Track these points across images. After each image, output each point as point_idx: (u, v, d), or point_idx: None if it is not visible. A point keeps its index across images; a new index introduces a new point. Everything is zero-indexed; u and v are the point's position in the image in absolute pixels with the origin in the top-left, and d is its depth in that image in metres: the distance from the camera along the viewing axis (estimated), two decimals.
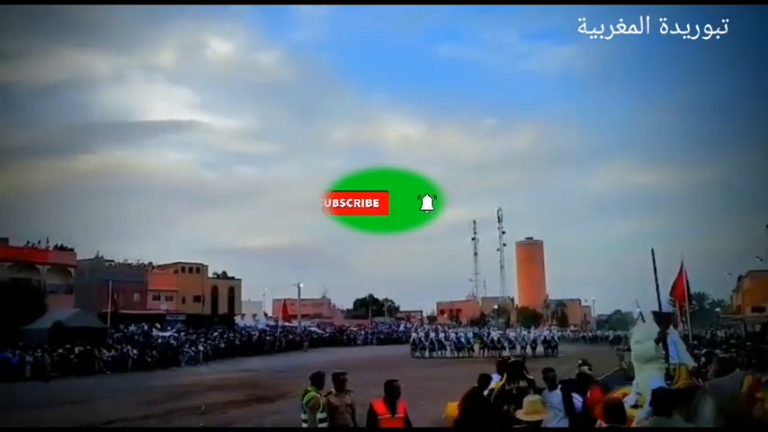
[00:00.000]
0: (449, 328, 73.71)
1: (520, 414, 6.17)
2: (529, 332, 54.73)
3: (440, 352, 46.99)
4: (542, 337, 48.50)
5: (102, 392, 26.35)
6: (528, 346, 46.40)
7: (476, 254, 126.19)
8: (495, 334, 51.62)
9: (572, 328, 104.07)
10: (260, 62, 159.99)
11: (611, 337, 71.75)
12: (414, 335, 52.91)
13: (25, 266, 51.00)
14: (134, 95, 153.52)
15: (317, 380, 8.64)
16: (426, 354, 46.34)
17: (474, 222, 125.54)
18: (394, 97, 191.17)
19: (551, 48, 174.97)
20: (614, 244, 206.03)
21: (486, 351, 46.11)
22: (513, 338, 48.99)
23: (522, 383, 8.07)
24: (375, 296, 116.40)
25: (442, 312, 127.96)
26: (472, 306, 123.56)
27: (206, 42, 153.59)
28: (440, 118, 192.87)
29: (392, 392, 7.76)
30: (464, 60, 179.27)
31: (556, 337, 49.07)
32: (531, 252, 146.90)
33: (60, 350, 37.37)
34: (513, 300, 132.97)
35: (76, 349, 38.13)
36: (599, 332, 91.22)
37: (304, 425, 8.47)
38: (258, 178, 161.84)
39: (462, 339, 49.00)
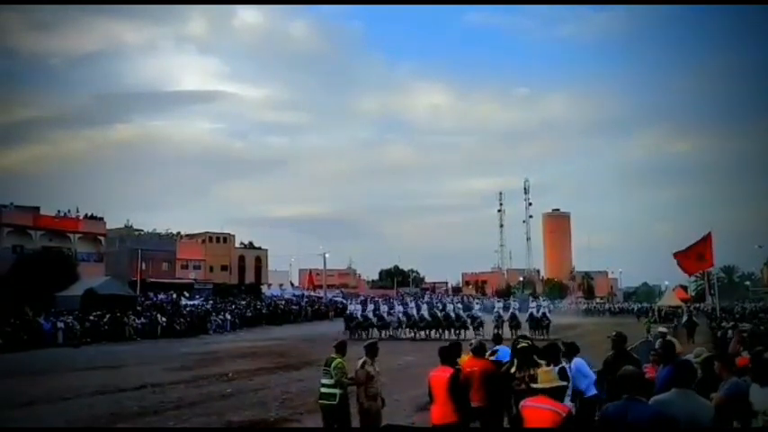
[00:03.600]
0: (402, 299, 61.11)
1: (535, 386, 6.06)
2: (507, 305, 40.58)
3: (372, 331, 36.11)
4: (529, 314, 37.31)
5: (132, 358, 26.90)
6: (503, 324, 34.66)
7: (502, 225, 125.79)
8: (450, 307, 39.13)
9: (598, 299, 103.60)
10: (289, 32, 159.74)
11: (636, 309, 71.39)
12: (351, 307, 42.62)
13: (57, 235, 51.92)
14: (165, 66, 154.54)
15: (342, 348, 8.90)
16: (361, 333, 35.73)
17: (500, 194, 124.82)
18: (423, 66, 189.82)
19: (586, 13, 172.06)
20: (643, 215, 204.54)
21: (436, 330, 36.29)
22: (476, 315, 36.74)
23: (534, 371, 7.20)
24: (400, 267, 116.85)
25: (467, 283, 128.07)
26: (498, 277, 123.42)
27: (236, 12, 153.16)
28: (470, 87, 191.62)
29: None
30: (495, 28, 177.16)
31: (547, 314, 37.46)
32: (558, 223, 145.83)
33: (91, 317, 38.19)
34: (539, 271, 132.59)
35: (107, 316, 38.95)
36: (625, 304, 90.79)
37: (323, 389, 8.75)
38: (286, 148, 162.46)
39: (406, 315, 38.33)
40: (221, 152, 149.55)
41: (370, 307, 40.41)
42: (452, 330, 35.72)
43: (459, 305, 42.27)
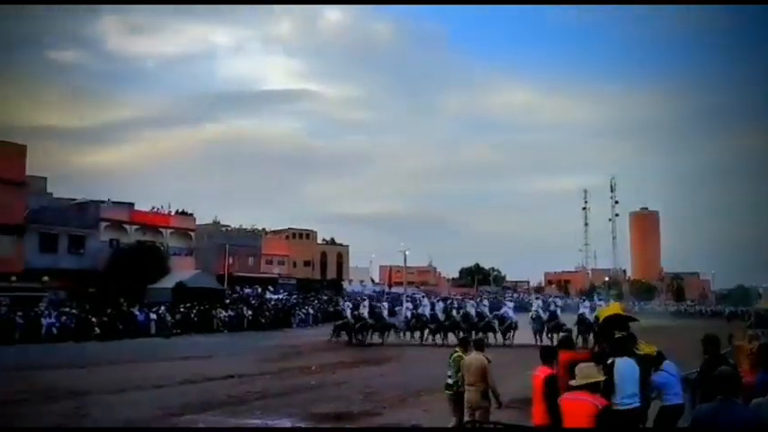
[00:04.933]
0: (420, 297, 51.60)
1: (572, 383, 6.02)
2: (547, 303, 34.77)
3: (370, 335, 32.13)
4: (579, 316, 30.03)
5: (220, 350, 27.82)
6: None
7: (586, 224, 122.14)
8: (471, 306, 34.09)
9: (689, 302, 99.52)
10: (372, 31, 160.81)
11: (727, 313, 68.11)
12: (342, 305, 38.19)
13: (150, 230, 54.12)
14: (253, 66, 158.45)
15: (464, 343, 9.58)
16: (353, 336, 32.05)
17: (585, 191, 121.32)
18: (506, 63, 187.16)
19: (678, 9, 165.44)
20: (738, 214, 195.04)
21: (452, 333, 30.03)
22: (506, 316, 31.47)
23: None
24: (481, 265, 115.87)
25: (550, 283, 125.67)
26: (582, 277, 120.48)
27: (321, 13, 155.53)
28: (553, 84, 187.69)
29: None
30: (583, 23, 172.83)
31: (511, 316, 31.25)
32: (646, 222, 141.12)
33: (182, 309, 39.73)
34: (625, 272, 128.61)
35: (196, 308, 40.41)
36: (718, 307, 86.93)
37: (449, 380, 9.17)
38: (367, 146, 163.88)
39: (415, 315, 32.99)
40: (304, 150, 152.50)
41: (365, 305, 34.21)
42: (474, 334, 30.34)
43: (486, 303, 34.65)
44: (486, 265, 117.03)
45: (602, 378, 6.14)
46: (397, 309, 35.48)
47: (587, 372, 5.97)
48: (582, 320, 29.13)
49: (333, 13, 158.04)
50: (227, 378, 18.08)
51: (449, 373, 9.19)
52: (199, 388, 16.41)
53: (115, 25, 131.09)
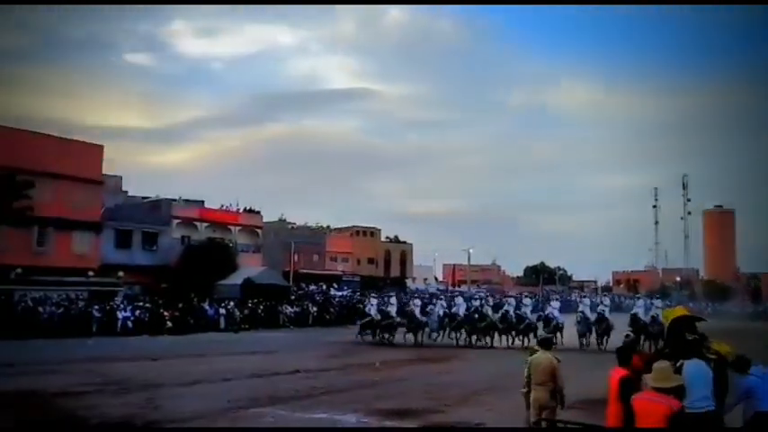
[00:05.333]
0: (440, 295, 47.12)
1: (648, 378, 5.91)
2: (594, 304, 31.04)
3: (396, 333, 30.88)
4: (632, 316, 27.82)
5: (286, 345, 28.36)
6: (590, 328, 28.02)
7: (657, 222, 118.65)
8: (510, 306, 30.86)
9: None
10: (434, 29, 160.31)
11: None
12: (367, 304, 34.34)
13: (220, 227, 55.49)
14: (315, 65, 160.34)
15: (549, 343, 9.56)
16: (381, 335, 30.96)
17: (655, 189, 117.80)
18: (570, 60, 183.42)
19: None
20: None
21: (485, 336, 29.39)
22: (551, 316, 29.37)
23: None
24: (547, 264, 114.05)
25: (618, 282, 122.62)
26: (652, 276, 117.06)
27: (384, 12, 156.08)
28: (621, 80, 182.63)
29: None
30: (644, 17, 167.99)
31: (556, 316, 29.07)
32: (721, 221, 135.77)
33: (249, 304, 40.66)
34: (697, 272, 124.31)
35: (263, 304, 41.28)
36: None
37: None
38: (430, 144, 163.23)
39: (449, 315, 30.86)
40: (367, 148, 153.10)
41: (392, 303, 32.82)
42: (513, 335, 29.12)
43: (528, 303, 31.48)
44: (551, 263, 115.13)
45: (681, 383, 6.03)
46: (429, 308, 32.64)
47: (666, 374, 5.87)
48: (635, 321, 26.86)
49: (393, 11, 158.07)
50: (294, 373, 18.42)
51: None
52: (266, 382, 16.78)
53: (184, 28, 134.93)
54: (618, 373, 7.12)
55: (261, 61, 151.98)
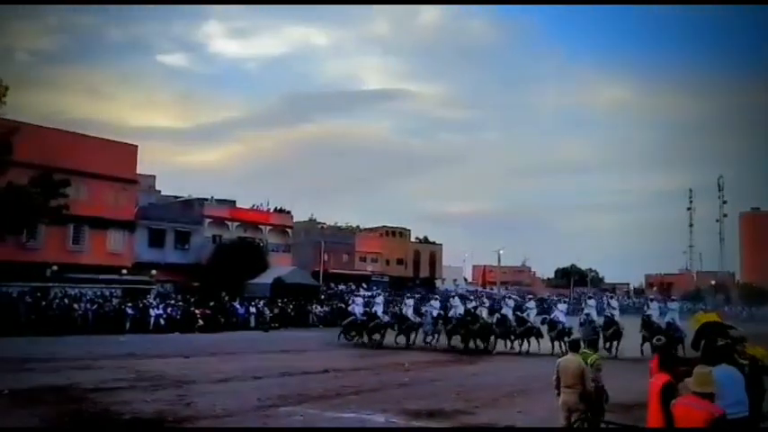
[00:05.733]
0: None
1: (688, 382, 5.78)
2: (600, 306, 28.31)
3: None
4: (643, 319, 25.41)
5: (315, 344, 28.43)
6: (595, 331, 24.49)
7: (691, 225, 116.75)
8: (508, 307, 28.40)
9: None
10: (467, 29, 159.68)
11: None
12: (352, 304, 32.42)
13: (251, 226, 55.94)
14: (349, 66, 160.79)
15: (594, 345, 9.28)
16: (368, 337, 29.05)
17: (690, 191, 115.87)
18: (604, 59, 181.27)
19: None
20: None
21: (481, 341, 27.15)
22: (557, 320, 26.61)
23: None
24: (578, 266, 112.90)
25: (650, 285, 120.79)
26: (686, 280, 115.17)
27: (416, 12, 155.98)
28: (655, 79, 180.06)
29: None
30: (680, 16, 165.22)
31: (676, 321, 24.71)
32: (759, 223, 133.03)
33: (279, 303, 40.93)
34: (733, 275, 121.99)
35: (293, 303, 41.53)
36: None
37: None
38: (462, 145, 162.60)
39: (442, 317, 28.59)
40: (399, 149, 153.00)
41: (379, 302, 31.09)
42: (511, 339, 27.04)
43: (532, 306, 28.92)
44: (583, 265, 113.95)
45: (713, 389, 5.92)
46: (423, 309, 30.71)
47: (707, 378, 5.78)
48: (647, 325, 24.31)
49: (428, 12, 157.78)
50: (323, 372, 18.48)
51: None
52: (296, 381, 16.84)
53: (219, 29, 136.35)
54: (660, 378, 6.90)
55: (294, 61, 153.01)
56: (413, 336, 28.81)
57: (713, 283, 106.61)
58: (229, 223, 53.71)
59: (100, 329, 30.92)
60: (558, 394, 8.46)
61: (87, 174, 38.77)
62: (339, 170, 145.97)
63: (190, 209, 52.02)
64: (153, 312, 34.51)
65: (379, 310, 30.15)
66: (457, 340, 27.44)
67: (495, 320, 27.53)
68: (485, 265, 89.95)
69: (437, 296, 37.26)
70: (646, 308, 27.27)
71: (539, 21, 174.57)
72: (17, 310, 30.52)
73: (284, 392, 14.51)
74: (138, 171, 44.94)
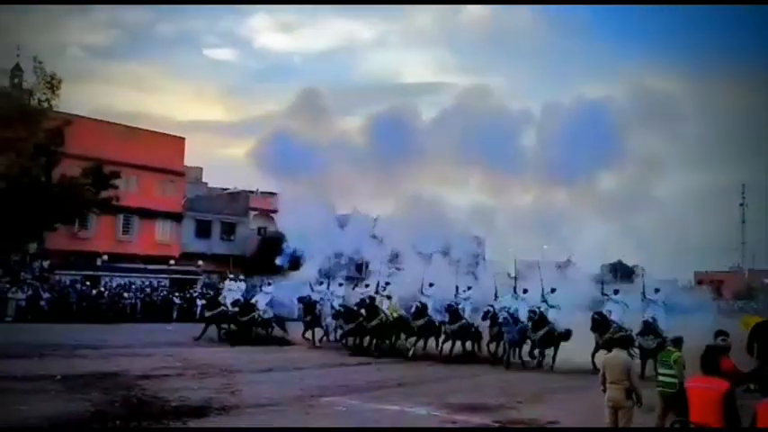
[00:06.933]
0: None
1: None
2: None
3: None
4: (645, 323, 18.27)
5: None
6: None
7: (744, 221, 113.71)
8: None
9: None
10: (512, 22, 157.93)
11: None
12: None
13: None
14: (392, 60, 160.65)
15: (678, 342, 9.61)
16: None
17: (743, 186, 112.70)
18: (654, 53, 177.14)
19: None
20: None
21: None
22: None
23: None
24: (624, 262, 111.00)
25: (700, 283, 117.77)
26: (737, 278, 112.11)
27: (460, 6, 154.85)
28: (706, 74, 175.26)
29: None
30: (732, 10, 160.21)
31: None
32: None
33: None
34: None
35: None
36: None
37: (661, 378, 9.18)
38: None
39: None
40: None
41: (269, 291, 25.01)
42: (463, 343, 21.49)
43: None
44: (629, 261, 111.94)
45: None
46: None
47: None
48: (649, 329, 18.00)
49: (473, 5, 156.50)
50: (366, 365, 18.59)
51: (664, 371, 9.18)
52: (337, 372, 16.97)
53: (264, 23, 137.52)
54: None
55: (339, 55, 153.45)
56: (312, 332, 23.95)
57: (766, 281, 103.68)
58: (274, 215, 54.21)
59: (148, 318, 31.63)
60: (604, 390, 8.38)
61: (136, 166, 39.68)
62: (379, 165, 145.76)
63: (235, 201, 52.67)
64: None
65: (262, 300, 24.65)
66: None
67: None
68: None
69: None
70: (647, 309, 19.34)
71: (588, 14, 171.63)
72: (69, 298, 31.38)
73: (326, 383, 14.65)
74: (185, 163, 45.75)
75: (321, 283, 24.49)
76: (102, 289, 33.96)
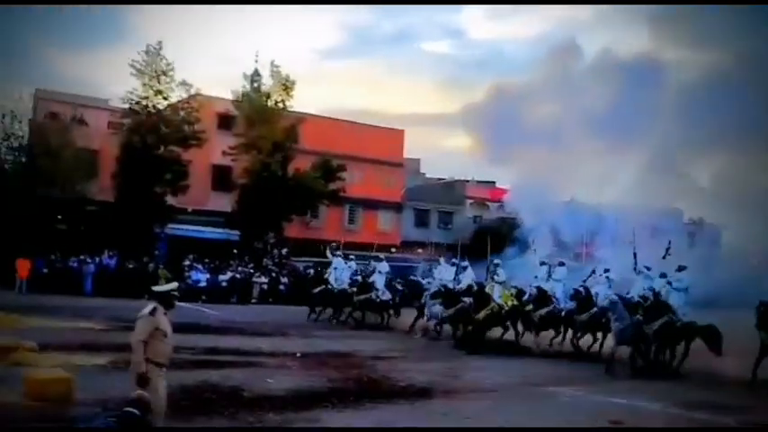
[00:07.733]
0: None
1: None
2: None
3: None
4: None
5: None
6: None
7: None
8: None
9: None
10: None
11: None
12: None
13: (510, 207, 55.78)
14: (609, 40, 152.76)
15: None
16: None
17: None
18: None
19: None
20: None
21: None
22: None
23: None
24: None
25: None
26: None
27: None
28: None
29: None
30: None
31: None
32: None
33: None
34: None
35: None
36: None
37: None
38: None
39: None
40: None
41: (383, 270, 24.44)
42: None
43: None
44: None
45: None
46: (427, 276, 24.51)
47: None
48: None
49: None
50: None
51: None
52: (561, 361, 16.56)
53: (478, 13, 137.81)
54: None
55: (555, 39, 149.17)
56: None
57: None
58: (489, 204, 54.20)
59: None
60: None
61: (360, 159, 41.85)
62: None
63: (452, 190, 53.46)
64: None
65: (379, 280, 24.27)
66: None
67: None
68: None
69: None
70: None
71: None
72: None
73: (548, 372, 14.44)
74: (404, 155, 47.37)
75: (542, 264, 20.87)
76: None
